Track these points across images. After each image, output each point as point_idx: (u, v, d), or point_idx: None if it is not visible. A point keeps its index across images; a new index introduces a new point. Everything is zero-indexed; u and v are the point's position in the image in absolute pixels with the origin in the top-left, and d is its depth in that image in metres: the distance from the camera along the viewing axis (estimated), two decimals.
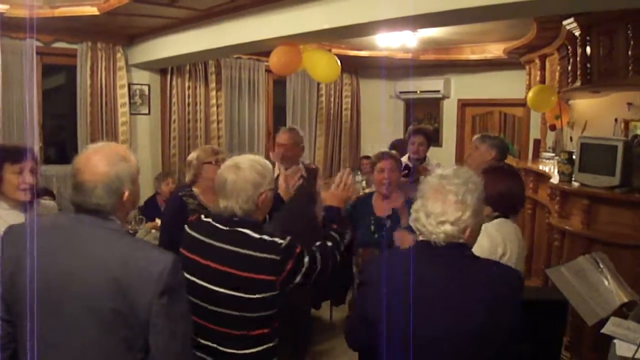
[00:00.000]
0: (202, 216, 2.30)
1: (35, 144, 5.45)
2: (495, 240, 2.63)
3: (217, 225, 2.19)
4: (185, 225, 2.30)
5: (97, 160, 1.65)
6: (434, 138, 4.89)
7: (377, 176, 3.59)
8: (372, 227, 3.48)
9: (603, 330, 2.55)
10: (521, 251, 2.76)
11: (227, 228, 2.17)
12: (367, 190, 5.21)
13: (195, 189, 3.39)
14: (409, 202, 3.40)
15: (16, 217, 2.37)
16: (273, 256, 2.08)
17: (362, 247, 3.48)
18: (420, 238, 1.78)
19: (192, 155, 3.45)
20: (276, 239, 2.12)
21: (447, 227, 1.70)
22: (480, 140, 3.91)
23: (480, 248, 2.60)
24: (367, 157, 6.57)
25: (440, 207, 1.70)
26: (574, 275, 3.03)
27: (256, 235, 2.12)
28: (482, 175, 2.85)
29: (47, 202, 2.87)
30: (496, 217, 2.77)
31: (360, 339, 1.92)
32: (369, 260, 2.01)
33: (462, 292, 1.67)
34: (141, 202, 5.96)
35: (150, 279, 1.54)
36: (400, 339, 1.66)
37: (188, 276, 2.09)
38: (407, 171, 4.55)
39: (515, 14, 3.50)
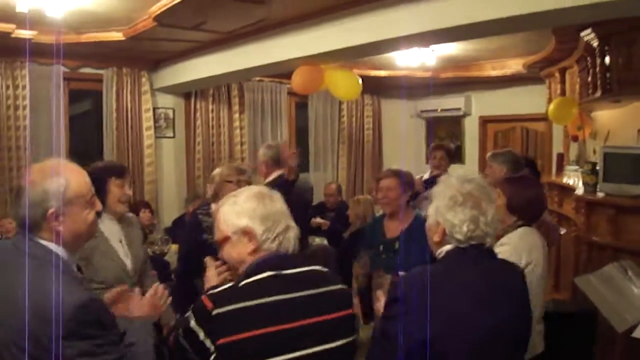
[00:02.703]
0: (238, 283, 1.61)
1: None
2: (519, 250, 2.64)
3: (284, 272, 1.63)
4: (228, 307, 1.53)
5: (33, 169, 1.63)
6: (454, 155, 4.94)
7: (378, 195, 3.51)
8: (381, 248, 3.38)
9: (634, 335, 2.53)
10: (546, 259, 2.73)
11: (300, 270, 1.67)
12: None
13: (214, 207, 3.23)
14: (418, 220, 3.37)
15: (112, 227, 2.69)
16: (344, 286, 1.77)
17: (374, 270, 3.41)
18: (453, 246, 1.77)
19: (216, 171, 3.39)
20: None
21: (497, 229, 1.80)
22: (492, 159, 3.94)
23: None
24: None
25: (495, 211, 1.76)
26: (603, 283, 3.01)
27: (323, 269, 1.74)
28: (507, 185, 2.87)
29: (130, 214, 2.96)
30: (519, 226, 2.78)
31: None
32: (399, 284, 1.80)
33: (504, 289, 1.78)
34: (168, 223, 6.07)
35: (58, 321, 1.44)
36: (465, 344, 1.66)
37: (281, 357, 1.55)
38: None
39: (532, 25, 3.54)
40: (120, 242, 2.71)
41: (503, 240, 2.71)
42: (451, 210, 1.74)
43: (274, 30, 4.59)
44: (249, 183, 3.44)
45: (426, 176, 4.88)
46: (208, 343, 1.51)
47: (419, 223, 3.29)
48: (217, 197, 3.25)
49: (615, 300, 2.91)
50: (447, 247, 1.77)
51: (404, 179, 3.40)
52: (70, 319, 1.42)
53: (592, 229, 4.22)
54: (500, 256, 2.54)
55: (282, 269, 1.62)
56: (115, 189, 2.69)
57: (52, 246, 1.59)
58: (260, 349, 1.52)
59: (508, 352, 1.74)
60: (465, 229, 1.71)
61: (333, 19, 4.12)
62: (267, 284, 1.59)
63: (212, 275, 1.90)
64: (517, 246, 2.65)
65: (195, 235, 3.27)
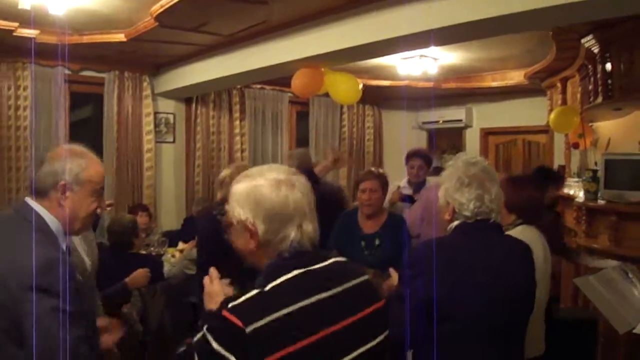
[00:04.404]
0: (263, 287, 1.31)
1: None
2: None
3: (312, 268, 1.39)
4: (264, 320, 1.23)
5: (62, 147, 1.81)
6: (431, 160, 4.61)
7: (359, 196, 3.51)
8: (363, 243, 3.41)
9: (635, 331, 2.52)
10: (547, 255, 2.72)
11: (325, 263, 1.43)
12: None
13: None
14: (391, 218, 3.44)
15: None
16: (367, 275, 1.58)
17: None
18: (461, 221, 1.98)
19: (225, 173, 3.35)
20: None
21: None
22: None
23: None
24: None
25: (498, 190, 1.99)
26: (603, 284, 2.98)
27: (343, 259, 1.53)
28: (505, 185, 2.88)
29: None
30: (519, 224, 2.78)
31: (420, 329, 1.85)
32: (412, 252, 2.08)
33: (512, 257, 2.00)
34: (166, 226, 6.05)
35: (24, 274, 1.54)
36: (471, 311, 1.85)
37: None
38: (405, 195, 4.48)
39: (533, 23, 3.53)
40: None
41: None
42: (458, 191, 1.98)
43: (274, 32, 4.59)
44: None
45: (404, 185, 4.71)
46: None
47: (393, 219, 3.50)
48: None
49: (616, 302, 2.87)
50: (456, 222, 1.99)
51: (383, 180, 3.53)
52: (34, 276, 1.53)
53: (593, 237, 4.19)
54: None
55: (309, 265, 1.37)
56: None
57: (46, 215, 1.70)
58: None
59: (512, 315, 1.93)
60: (472, 206, 1.95)
61: (332, 21, 4.11)
62: (300, 283, 1.33)
63: (216, 292, 1.54)
64: None
65: (217, 239, 3.20)
